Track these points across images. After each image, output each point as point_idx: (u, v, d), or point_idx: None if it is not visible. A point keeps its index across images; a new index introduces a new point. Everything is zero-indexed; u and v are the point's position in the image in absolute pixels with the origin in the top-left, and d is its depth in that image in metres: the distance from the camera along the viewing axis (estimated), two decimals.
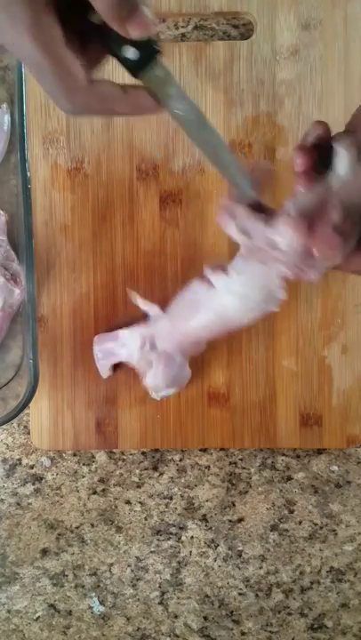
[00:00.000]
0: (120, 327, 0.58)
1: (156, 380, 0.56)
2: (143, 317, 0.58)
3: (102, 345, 0.58)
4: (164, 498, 0.61)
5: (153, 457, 0.61)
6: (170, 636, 0.61)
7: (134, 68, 0.37)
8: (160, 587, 0.61)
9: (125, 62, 0.37)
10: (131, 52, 0.36)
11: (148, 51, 0.37)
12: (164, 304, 0.59)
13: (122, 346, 0.57)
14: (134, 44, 0.36)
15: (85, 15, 0.35)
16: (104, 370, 0.58)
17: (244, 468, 0.61)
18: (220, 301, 0.51)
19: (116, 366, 0.59)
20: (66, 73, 0.35)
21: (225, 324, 0.52)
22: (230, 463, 0.61)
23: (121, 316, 0.59)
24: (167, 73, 0.38)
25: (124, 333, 0.57)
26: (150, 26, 0.35)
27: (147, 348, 0.56)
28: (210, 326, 0.53)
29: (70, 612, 0.61)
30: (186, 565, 0.61)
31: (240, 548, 0.61)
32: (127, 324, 0.58)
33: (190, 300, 0.55)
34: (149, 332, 0.57)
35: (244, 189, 0.43)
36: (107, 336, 0.58)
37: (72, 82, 0.35)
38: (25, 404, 0.53)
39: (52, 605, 0.61)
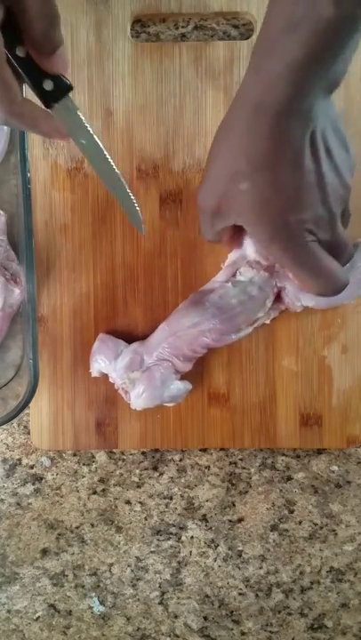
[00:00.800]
0: (125, 331, 0.58)
1: (137, 402, 0.56)
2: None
3: (101, 347, 0.57)
4: (164, 498, 0.61)
5: (153, 457, 0.61)
6: (170, 635, 0.61)
7: (48, 98, 0.43)
8: (160, 587, 0.61)
9: (41, 93, 0.43)
10: (48, 84, 0.43)
11: (62, 85, 0.43)
12: (163, 304, 0.59)
13: (113, 358, 0.57)
14: (51, 77, 0.43)
15: (13, 49, 0.42)
16: (94, 371, 0.58)
17: (244, 468, 0.61)
18: (222, 289, 0.55)
19: None
20: (7, 87, 0.40)
21: (225, 318, 0.55)
22: (230, 463, 0.61)
23: (122, 317, 0.59)
24: (74, 107, 0.44)
25: (123, 347, 0.57)
26: (66, 64, 0.42)
27: (134, 367, 0.56)
28: (208, 324, 0.54)
29: (70, 612, 0.61)
30: (186, 565, 0.61)
31: (240, 548, 0.61)
32: (132, 328, 0.58)
33: (191, 298, 0.56)
34: (142, 347, 0.57)
35: (135, 220, 0.50)
36: (109, 340, 0.58)
37: (12, 95, 0.40)
38: (25, 404, 0.53)
39: (52, 605, 0.61)
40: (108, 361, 0.57)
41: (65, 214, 0.59)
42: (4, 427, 0.61)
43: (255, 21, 0.58)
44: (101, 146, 0.46)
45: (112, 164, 0.47)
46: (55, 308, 0.59)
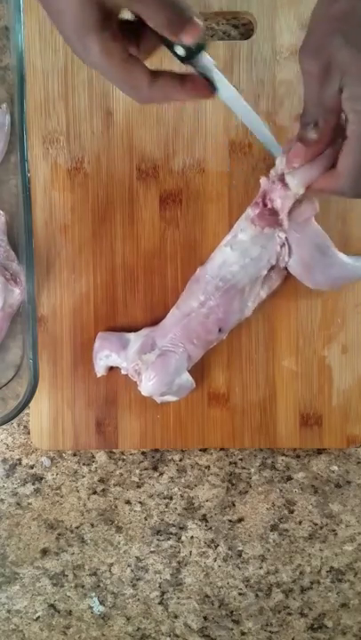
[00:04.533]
0: (125, 330, 0.58)
1: (147, 385, 0.56)
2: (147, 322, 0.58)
3: (103, 344, 0.58)
4: (164, 498, 0.61)
5: (153, 457, 0.61)
6: (170, 635, 0.61)
7: (184, 59, 0.44)
8: (160, 587, 0.61)
9: (176, 54, 0.44)
10: (180, 50, 0.43)
11: (196, 46, 0.43)
12: (163, 304, 0.59)
13: (121, 349, 0.57)
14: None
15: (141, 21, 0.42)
16: (100, 369, 0.58)
17: (244, 468, 0.61)
18: (221, 256, 0.55)
19: (112, 367, 0.59)
20: (131, 79, 0.42)
21: (228, 288, 0.55)
22: (230, 463, 0.61)
23: (122, 317, 0.59)
24: (210, 62, 0.45)
25: (129, 336, 0.57)
26: (200, 32, 0.41)
27: (146, 349, 0.56)
28: (214, 295, 0.55)
29: (70, 612, 0.61)
30: (186, 565, 0.61)
31: (240, 548, 0.61)
32: (132, 328, 0.58)
33: (195, 273, 0.57)
34: (153, 332, 0.57)
35: (273, 149, 0.52)
36: (111, 335, 0.58)
37: (137, 84, 0.42)
38: (25, 404, 0.53)
39: (51, 605, 0.61)
40: (115, 353, 0.57)
41: (65, 214, 0.59)
42: (4, 427, 0.61)
43: (255, 21, 0.58)
44: (243, 99, 0.49)
45: (254, 112, 0.50)
46: (55, 307, 0.59)
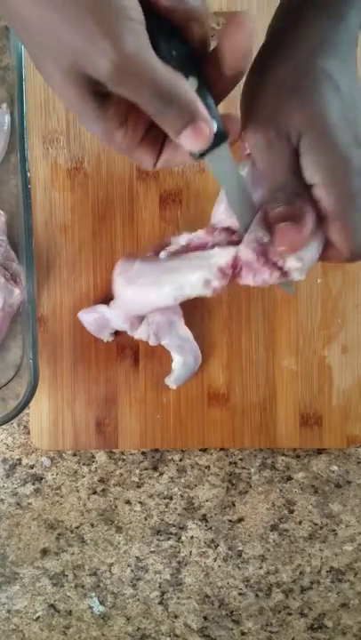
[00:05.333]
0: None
1: (181, 370, 0.57)
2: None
3: (90, 316, 0.58)
4: (164, 498, 0.61)
5: (153, 457, 0.61)
6: (170, 635, 0.61)
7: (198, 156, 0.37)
8: (160, 587, 0.61)
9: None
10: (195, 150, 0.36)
11: (219, 132, 0.36)
12: None
13: (114, 316, 0.56)
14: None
15: None
16: (105, 336, 0.58)
17: (244, 468, 0.61)
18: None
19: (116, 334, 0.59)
20: (138, 161, 0.38)
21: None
22: (230, 463, 0.61)
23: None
24: (228, 155, 0.38)
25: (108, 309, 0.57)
26: (208, 140, 0.35)
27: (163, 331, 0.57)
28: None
29: (70, 612, 0.61)
30: (186, 565, 0.61)
31: (240, 548, 0.61)
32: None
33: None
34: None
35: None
36: (90, 310, 0.58)
37: (144, 164, 0.38)
38: (25, 404, 0.53)
39: (51, 605, 0.61)
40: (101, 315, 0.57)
41: (65, 214, 0.59)
42: (4, 427, 0.61)
43: (255, 21, 0.58)
44: (248, 190, 0.42)
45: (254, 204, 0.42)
46: (55, 307, 0.59)
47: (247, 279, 0.42)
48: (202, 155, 0.37)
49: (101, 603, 0.61)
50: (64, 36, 0.31)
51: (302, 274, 0.41)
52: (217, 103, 0.37)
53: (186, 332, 0.58)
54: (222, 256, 0.43)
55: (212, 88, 0.36)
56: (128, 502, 0.61)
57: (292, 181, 0.38)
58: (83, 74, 0.32)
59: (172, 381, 0.58)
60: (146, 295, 0.48)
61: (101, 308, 0.57)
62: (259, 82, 0.39)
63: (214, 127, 0.35)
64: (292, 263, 0.41)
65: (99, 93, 0.33)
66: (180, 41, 0.34)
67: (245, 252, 0.41)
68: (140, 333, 0.57)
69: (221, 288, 0.43)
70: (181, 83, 0.34)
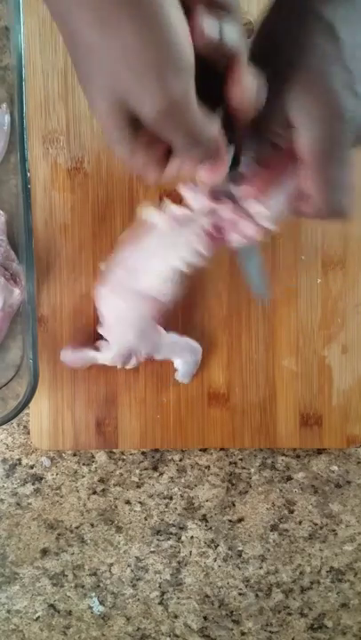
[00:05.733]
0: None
1: (185, 367, 0.57)
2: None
3: (77, 358, 0.58)
4: (164, 498, 0.61)
5: (153, 457, 0.61)
6: (170, 636, 0.61)
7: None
8: (160, 587, 0.61)
9: None
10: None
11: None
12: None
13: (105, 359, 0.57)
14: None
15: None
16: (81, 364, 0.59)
17: (244, 468, 0.61)
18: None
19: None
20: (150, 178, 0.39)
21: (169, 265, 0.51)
22: (230, 463, 0.61)
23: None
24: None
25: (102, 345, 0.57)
26: (222, 175, 0.38)
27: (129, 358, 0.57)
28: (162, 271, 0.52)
29: (70, 612, 0.61)
30: (186, 565, 0.61)
31: (240, 548, 0.61)
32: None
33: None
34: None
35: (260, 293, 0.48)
36: (79, 353, 0.58)
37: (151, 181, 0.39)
38: (25, 404, 0.53)
39: (51, 605, 0.61)
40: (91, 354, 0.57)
41: (65, 214, 0.59)
42: (4, 427, 0.61)
43: (255, 21, 0.58)
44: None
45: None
46: (55, 308, 0.59)
47: (231, 236, 0.45)
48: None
49: (101, 603, 0.61)
50: (120, 70, 0.32)
51: (271, 223, 0.42)
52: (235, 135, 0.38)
53: (169, 337, 0.57)
54: (204, 219, 0.45)
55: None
56: (128, 502, 0.61)
57: (273, 122, 0.39)
58: (127, 109, 0.34)
59: (180, 378, 0.58)
60: (143, 275, 0.50)
61: (91, 353, 0.57)
62: (262, 34, 0.40)
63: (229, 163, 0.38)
64: (255, 207, 0.42)
65: (134, 122, 0.35)
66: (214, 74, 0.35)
67: (224, 210, 0.44)
68: (132, 364, 0.57)
69: (210, 250, 0.46)
70: (212, 126, 0.35)
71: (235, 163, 0.38)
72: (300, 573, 0.61)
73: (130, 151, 0.37)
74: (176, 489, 0.61)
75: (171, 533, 0.61)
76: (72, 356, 0.57)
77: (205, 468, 0.61)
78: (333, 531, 0.61)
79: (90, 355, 0.57)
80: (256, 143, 0.40)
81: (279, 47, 0.38)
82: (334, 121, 0.37)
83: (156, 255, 0.52)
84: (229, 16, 0.34)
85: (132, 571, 0.61)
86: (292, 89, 0.38)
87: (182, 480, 0.61)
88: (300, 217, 0.42)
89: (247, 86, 0.35)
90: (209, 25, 0.33)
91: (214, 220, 0.46)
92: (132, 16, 0.31)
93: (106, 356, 0.57)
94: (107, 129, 0.36)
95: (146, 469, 0.61)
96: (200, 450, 0.61)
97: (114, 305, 0.55)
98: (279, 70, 0.38)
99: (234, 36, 0.34)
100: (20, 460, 0.61)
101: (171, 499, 0.61)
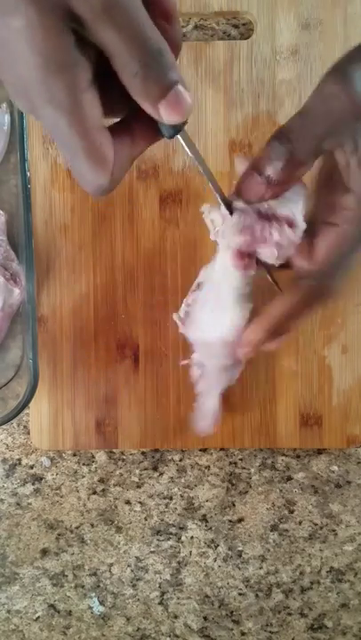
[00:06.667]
0: (125, 330, 0.58)
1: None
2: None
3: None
4: (164, 498, 0.61)
5: (153, 457, 0.61)
6: (170, 636, 0.61)
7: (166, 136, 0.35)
8: (160, 587, 0.61)
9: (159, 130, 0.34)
10: (166, 130, 0.33)
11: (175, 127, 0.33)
12: (163, 304, 0.59)
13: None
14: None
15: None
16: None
17: (244, 468, 0.61)
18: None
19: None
20: (97, 155, 0.32)
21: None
22: (230, 463, 0.61)
23: (122, 317, 0.59)
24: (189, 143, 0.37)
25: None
26: (186, 110, 0.31)
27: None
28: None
29: (70, 613, 0.61)
30: (186, 565, 0.61)
31: (240, 548, 0.61)
32: (132, 328, 0.58)
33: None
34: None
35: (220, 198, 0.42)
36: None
37: (101, 162, 0.32)
38: (25, 404, 0.53)
39: (51, 605, 0.61)
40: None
41: (65, 214, 0.59)
42: (4, 427, 0.61)
43: (255, 21, 0.58)
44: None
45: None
46: (55, 308, 0.59)
47: (262, 248, 0.42)
48: (176, 131, 0.33)
49: (101, 603, 0.61)
50: None
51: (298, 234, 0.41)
52: None
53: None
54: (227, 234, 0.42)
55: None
56: (128, 502, 0.61)
57: (310, 150, 0.37)
58: (64, 5, 0.28)
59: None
60: (214, 328, 0.47)
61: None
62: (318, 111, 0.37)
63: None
64: (281, 210, 0.40)
65: (75, 35, 0.29)
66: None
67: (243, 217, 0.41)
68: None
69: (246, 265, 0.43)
70: (165, 43, 0.30)
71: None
72: (301, 573, 0.61)
73: (70, 81, 0.29)
74: (176, 489, 0.61)
75: (171, 533, 0.61)
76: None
77: (205, 468, 0.61)
78: (333, 531, 0.61)
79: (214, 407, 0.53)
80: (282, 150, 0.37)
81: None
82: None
83: (217, 303, 0.47)
84: None
85: (132, 571, 0.61)
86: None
87: (182, 480, 0.61)
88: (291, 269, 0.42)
89: None
90: None
91: (243, 235, 0.43)
92: None
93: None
94: (39, 39, 0.28)
95: (146, 469, 0.61)
96: (200, 450, 0.61)
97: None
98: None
99: None
100: (19, 460, 0.61)
101: (171, 499, 0.61)
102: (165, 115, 0.31)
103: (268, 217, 0.41)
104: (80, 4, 0.28)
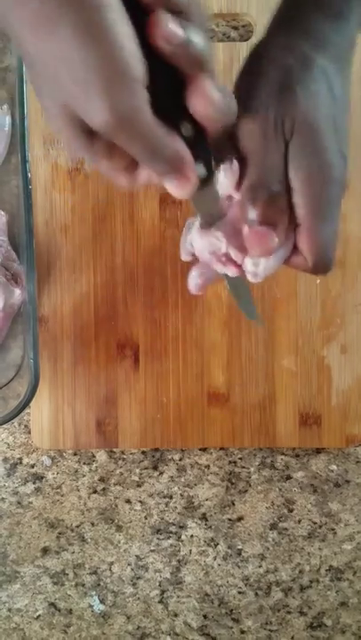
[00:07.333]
0: (125, 330, 0.58)
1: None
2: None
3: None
4: (164, 497, 0.61)
5: (153, 456, 0.61)
6: (170, 634, 0.61)
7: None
8: (160, 585, 0.61)
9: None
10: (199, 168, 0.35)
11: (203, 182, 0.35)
12: (163, 304, 0.59)
13: None
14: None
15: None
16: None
17: (243, 468, 0.61)
18: None
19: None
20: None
21: None
22: (230, 462, 0.61)
23: (122, 317, 0.59)
24: (216, 202, 0.38)
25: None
26: (191, 186, 0.34)
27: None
28: None
29: (71, 611, 0.61)
30: (186, 564, 0.61)
31: (240, 547, 0.61)
32: (132, 328, 0.58)
33: None
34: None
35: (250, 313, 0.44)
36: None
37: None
38: (26, 404, 0.53)
39: (52, 604, 0.61)
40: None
41: (65, 215, 0.59)
42: (5, 426, 0.61)
43: (254, 23, 0.58)
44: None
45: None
46: (56, 307, 0.59)
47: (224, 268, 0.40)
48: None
49: (102, 601, 0.61)
50: (63, 78, 0.30)
51: (256, 278, 0.39)
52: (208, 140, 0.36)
53: None
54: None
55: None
56: (128, 501, 0.61)
57: (276, 180, 0.37)
58: (78, 116, 0.31)
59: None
60: None
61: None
62: (257, 72, 0.38)
63: (202, 172, 0.35)
64: (248, 266, 0.39)
65: (89, 130, 0.32)
66: (180, 83, 0.33)
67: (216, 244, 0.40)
68: None
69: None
70: (172, 139, 0.33)
71: (209, 176, 0.36)
72: (300, 572, 0.61)
73: (92, 158, 0.34)
74: (176, 488, 0.61)
75: (171, 532, 0.61)
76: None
77: (205, 467, 0.61)
78: (332, 529, 0.61)
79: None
80: (255, 192, 0.38)
81: (269, 85, 0.37)
82: (329, 184, 0.37)
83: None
84: (192, 19, 0.32)
85: (132, 569, 0.61)
86: (292, 150, 0.37)
87: (182, 479, 0.61)
88: (288, 267, 0.41)
89: (212, 98, 0.33)
90: (171, 27, 0.30)
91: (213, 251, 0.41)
92: (73, 20, 0.28)
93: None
94: (62, 136, 0.33)
95: (146, 469, 0.61)
96: (200, 449, 0.61)
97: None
98: (266, 106, 0.37)
99: (198, 39, 0.31)
100: (20, 459, 0.61)
101: (171, 498, 0.61)
102: (171, 190, 0.35)
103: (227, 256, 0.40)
104: (87, 121, 0.31)
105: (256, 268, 0.39)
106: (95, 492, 0.61)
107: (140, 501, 0.61)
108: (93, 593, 0.61)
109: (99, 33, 0.29)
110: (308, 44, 0.38)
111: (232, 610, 0.61)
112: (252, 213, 0.37)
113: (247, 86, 0.38)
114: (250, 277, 0.40)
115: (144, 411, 0.59)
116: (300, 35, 0.38)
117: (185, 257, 0.43)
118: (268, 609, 0.61)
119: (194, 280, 0.43)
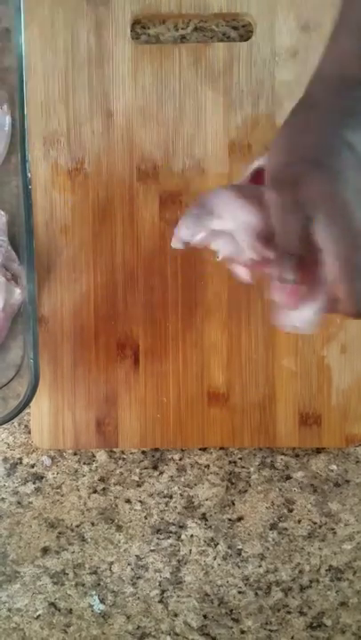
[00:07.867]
0: (124, 330, 0.58)
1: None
2: None
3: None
4: (164, 497, 0.61)
5: (153, 456, 0.61)
6: (170, 634, 0.61)
7: None
8: (160, 585, 0.61)
9: None
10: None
11: None
12: (163, 304, 0.59)
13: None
14: None
15: None
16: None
17: (243, 467, 0.61)
18: None
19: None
20: None
21: None
22: (230, 462, 0.61)
23: (122, 317, 0.59)
24: None
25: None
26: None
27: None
28: None
29: (71, 611, 0.61)
30: (186, 564, 0.61)
31: (240, 547, 0.61)
32: (132, 328, 0.58)
33: None
34: None
35: None
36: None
37: None
38: (26, 404, 0.54)
39: (52, 604, 0.61)
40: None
41: (65, 215, 0.59)
42: (5, 426, 0.61)
43: (255, 23, 0.58)
44: None
45: None
46: (56, 308, 0.59)
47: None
48: None
49: (102, 601, 0.61)
50: None
51: (302, 330, 0.42)
52: None
53: None
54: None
55: None
56: (128, 501, 0.61)
57: (299, 246, 0.39)
58: None
59: None
60: None
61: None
62: (286, 146, 0.40)
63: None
64: (297, 319, 0.42)
65: None
66: None
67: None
68: None
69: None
70: None
71: None
72: (300, 572, 0.61)
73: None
74: (176, 488, 0.61)
75: (171, 532, 0.61)
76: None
77: (205, 467, 0.61)
78: (332, 529, 0.61)
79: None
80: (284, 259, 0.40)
81: (300, 164, 0.39)
82: (357, 249, 0.38)
83: None
84: None
85: (132, 569, 0.61)
86: (318, 216, 0.38)
87: (182, 479, 0.61)
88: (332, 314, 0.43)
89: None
90: None
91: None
92: None
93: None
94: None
95: (146, 468, 0.61)
96: (200, 449, 0.61)
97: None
98: (299, 188, 0.38)
99: None
100: (20, 459, 0.61)
101: (171, 497, 0.61)
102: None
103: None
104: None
105: (293, 321, 0.42)
106: (95, 491, 0.61)
107: (140, 501, 0.61)
108: (93, 593, 0.61)
109: None
110: (337, 120, 0.39)
111: (232, 610, 0.61)
112: (276, 271, 0.40)
113: (276, 158, 0.40)
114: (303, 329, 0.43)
115: (144, 411, 0.60)
116: (329, 109, 0.39)
117: (176, 244, 0.44)
118: (268, 609, 0.61)
119: (185, 230, 0.44)
